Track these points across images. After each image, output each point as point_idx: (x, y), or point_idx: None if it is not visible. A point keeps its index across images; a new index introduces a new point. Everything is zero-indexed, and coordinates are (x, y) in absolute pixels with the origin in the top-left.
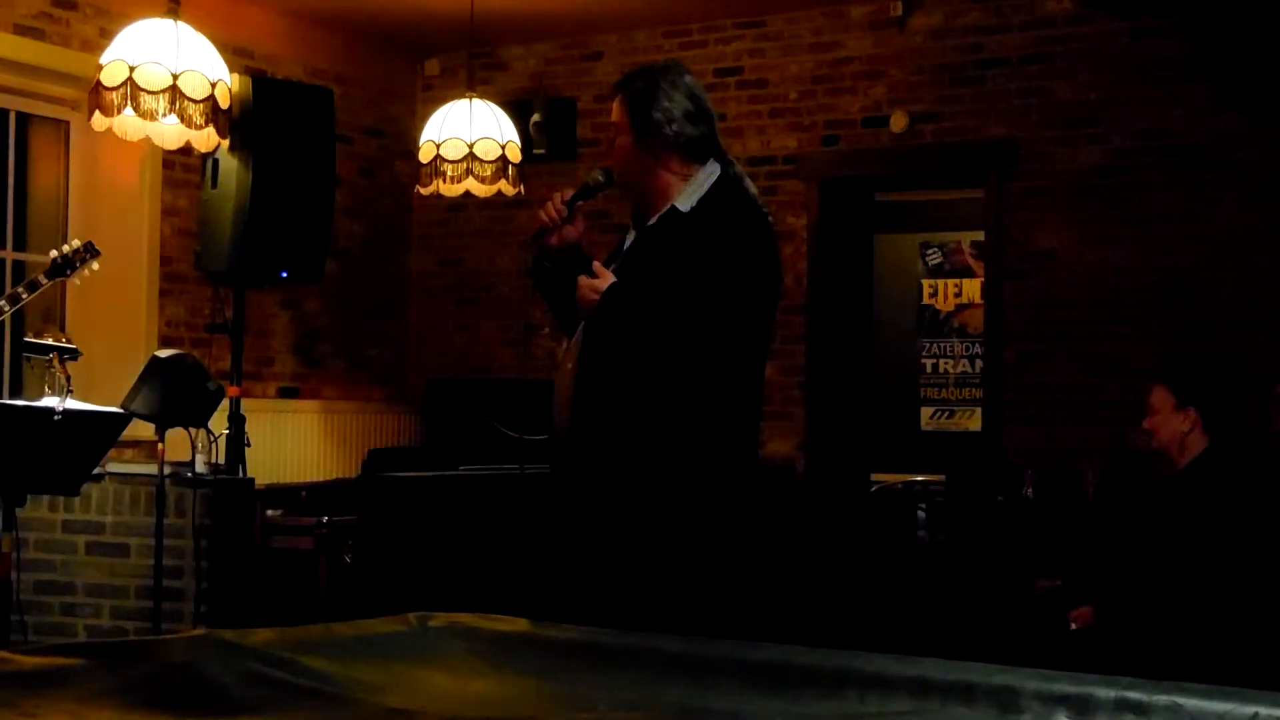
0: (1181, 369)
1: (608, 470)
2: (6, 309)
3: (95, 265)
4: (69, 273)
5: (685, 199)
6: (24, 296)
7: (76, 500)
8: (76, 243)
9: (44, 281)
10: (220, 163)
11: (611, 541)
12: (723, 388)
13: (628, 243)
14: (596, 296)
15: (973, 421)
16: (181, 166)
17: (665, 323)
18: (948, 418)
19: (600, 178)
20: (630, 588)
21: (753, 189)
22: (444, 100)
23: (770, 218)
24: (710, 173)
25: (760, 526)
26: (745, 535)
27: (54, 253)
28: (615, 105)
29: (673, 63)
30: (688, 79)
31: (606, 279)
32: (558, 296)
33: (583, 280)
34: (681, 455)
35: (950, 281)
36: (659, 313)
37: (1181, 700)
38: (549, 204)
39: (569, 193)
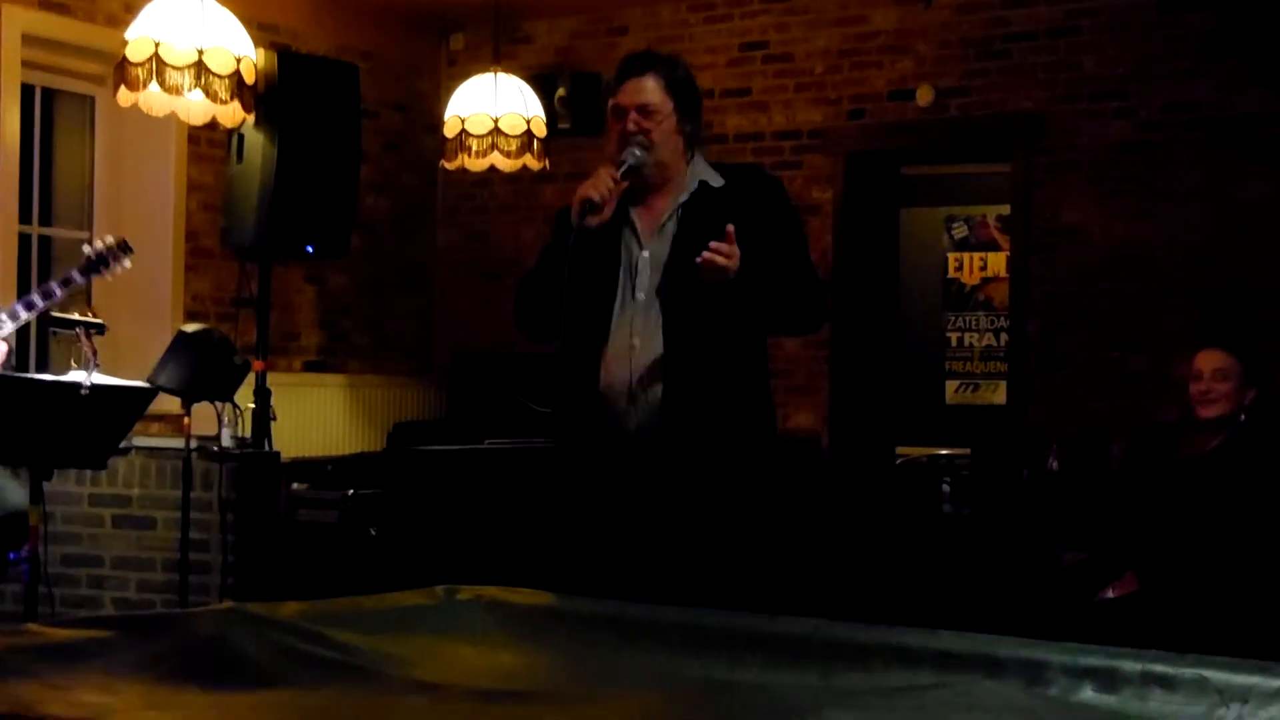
0: (1249, 346)
1: (716, 440)
2: (39, 303)
3: (128, 263)
4: (102, 270)
5: (712, 176)
6: (57, 292)
7: (103, 474)
8: (110, 239)
9: (78, 279)
10: (245, 138)
11: (721, 509)
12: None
13: (638, 220)
14: (731, 263)
15: (997, 395)
16: (207, 142)
17: (807, 285)
18: (972, 391)
19: (639, 155)
20: (735, 556)
21: None
22: (469, 75)
23: None
24: (699, 156)
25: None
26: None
27: (86, 248)
28: (649, 84)
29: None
30: None
31: (735, 250)
32: (579, 273)
33: (718, 257)
34: (770, 420)
35: (976, 255)
36: (799, 277)
37: (1207, 673)
38: (599, 181)
39: (615, 171)
